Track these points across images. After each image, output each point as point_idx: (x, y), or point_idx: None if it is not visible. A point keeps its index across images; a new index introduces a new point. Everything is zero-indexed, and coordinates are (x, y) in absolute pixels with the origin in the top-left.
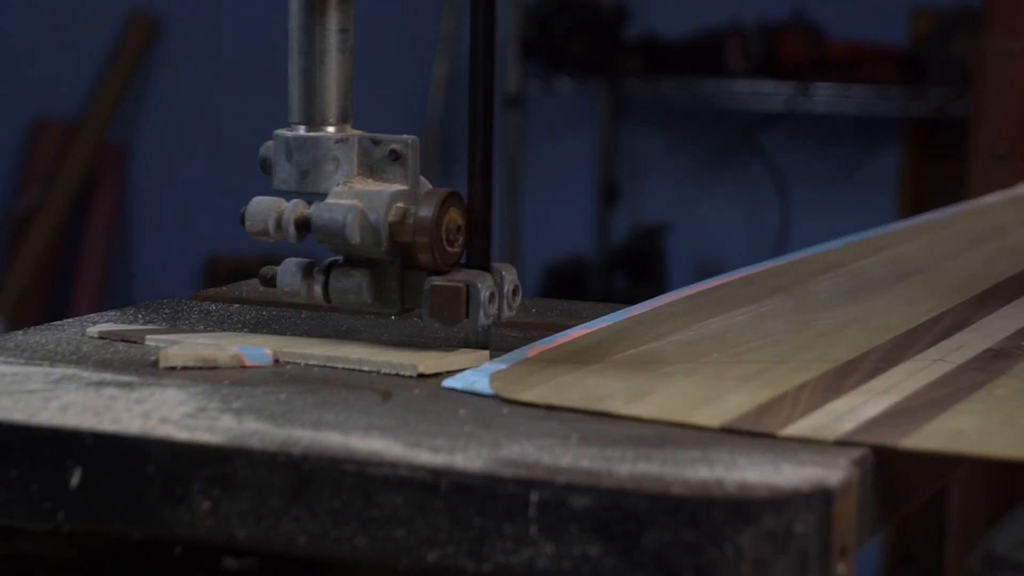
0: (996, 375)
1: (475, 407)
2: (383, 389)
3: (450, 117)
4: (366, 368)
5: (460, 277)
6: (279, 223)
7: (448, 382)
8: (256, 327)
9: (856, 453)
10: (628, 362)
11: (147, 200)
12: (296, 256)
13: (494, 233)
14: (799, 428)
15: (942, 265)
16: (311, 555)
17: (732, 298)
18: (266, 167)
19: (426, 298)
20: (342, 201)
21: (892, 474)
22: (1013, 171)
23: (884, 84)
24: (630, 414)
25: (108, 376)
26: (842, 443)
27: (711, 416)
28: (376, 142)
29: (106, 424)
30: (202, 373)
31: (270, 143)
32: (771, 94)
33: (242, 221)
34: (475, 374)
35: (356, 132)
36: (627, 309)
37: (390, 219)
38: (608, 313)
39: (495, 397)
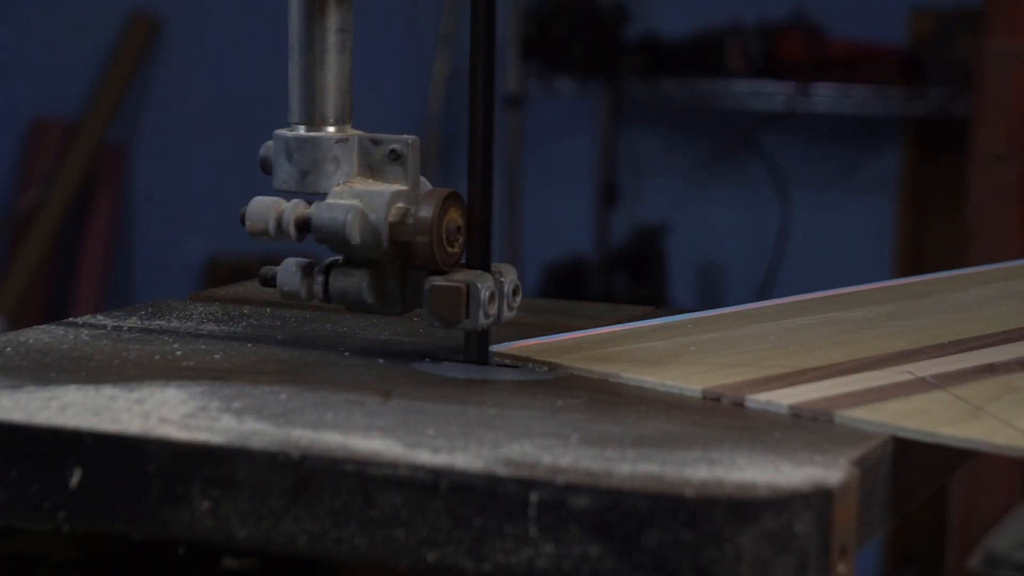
0: (952, 384)
1: (476, 407)
2: (383, 389)
3: (450, 117)
4: None
5: (460, 277)
6: (279, 223)
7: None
8: (256, 327)
9: (856, 453)
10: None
11: (147, 200)
12: (296, 256)
13: (494, 233)
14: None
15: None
16: (311, 555)
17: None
18: (266, 167)
19: (426, 298)
20: (342, 201)
21: (892, 474)
22: (1013, 171)
23: (884, 84)
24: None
25: (108, 376)
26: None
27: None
28: (376, 142)
29: (106, 424)
30: (203, 372)
31: (270, 143)
32: (771, 94)
33: (242, 221)
34: None
35: (356, 132)
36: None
37: (390, 219)
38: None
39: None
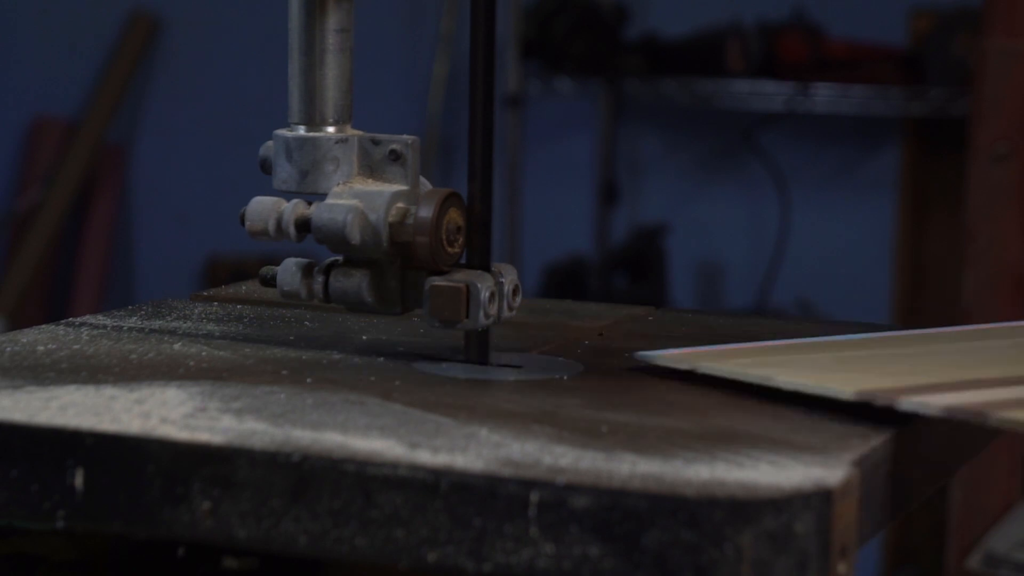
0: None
1: (476, 406)
2: (383, 389)
3: (450, 117)
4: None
5: (460, 277)
6: (279, 223)
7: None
8: (256, 327)
9: (856, 453)
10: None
11: (147, 200)
12: (296, 256)
13: (494, 233)
14: None
15: None
16: (311, 555)
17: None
18: (266, 167)
19: (426, 298)
20: (342, 201)
21: (892, 474)
22: (1013, 171)
23: (884, 84)
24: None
25: (108, 376)
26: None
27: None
28: (376, 142)
29: (106, 424)
30: (203, 372)
31: (270, 143)
32: (771, 94)
33: (242, 221)
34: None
35: (356, 132)
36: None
37: (390, 219)
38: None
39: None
